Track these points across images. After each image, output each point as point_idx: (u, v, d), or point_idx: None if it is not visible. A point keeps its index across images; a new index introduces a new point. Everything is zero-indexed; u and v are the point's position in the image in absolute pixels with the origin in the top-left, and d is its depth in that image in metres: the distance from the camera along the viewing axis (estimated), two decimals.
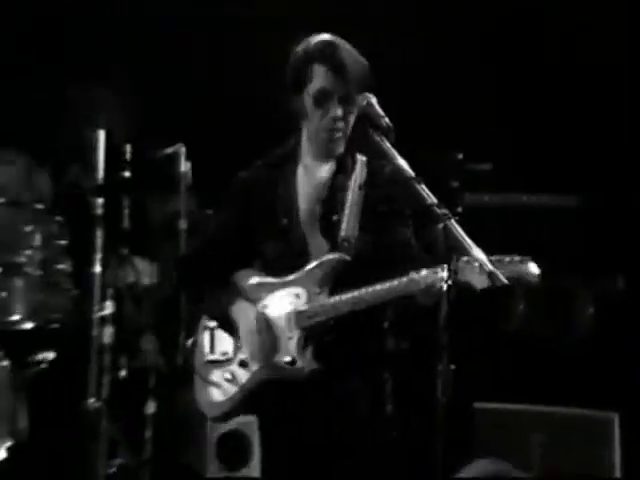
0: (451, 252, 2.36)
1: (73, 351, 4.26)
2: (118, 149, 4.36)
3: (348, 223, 2.73)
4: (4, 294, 4.06)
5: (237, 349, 2.76)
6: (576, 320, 4.27)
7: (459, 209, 2.52)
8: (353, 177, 2.76)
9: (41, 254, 4.17)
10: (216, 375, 2.79)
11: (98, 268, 4.23)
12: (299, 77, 2.70)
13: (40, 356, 4.20)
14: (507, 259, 2.43)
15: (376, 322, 2.71)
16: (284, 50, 2.78)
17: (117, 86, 4.56)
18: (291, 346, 2.67)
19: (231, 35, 5.04)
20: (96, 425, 4.04)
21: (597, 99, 4.65)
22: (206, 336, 2.84)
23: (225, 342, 2.80)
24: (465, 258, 2.38)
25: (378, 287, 2.58)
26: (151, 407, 4.19)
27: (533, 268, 2.43)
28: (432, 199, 2.39)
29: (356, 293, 2.61)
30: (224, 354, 2.79)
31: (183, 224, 4.35)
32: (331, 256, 2.71)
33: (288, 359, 2.66)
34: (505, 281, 2.25)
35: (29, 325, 4.10)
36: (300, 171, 2.81)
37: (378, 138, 2.58)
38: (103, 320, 4.18)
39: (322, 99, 2.68)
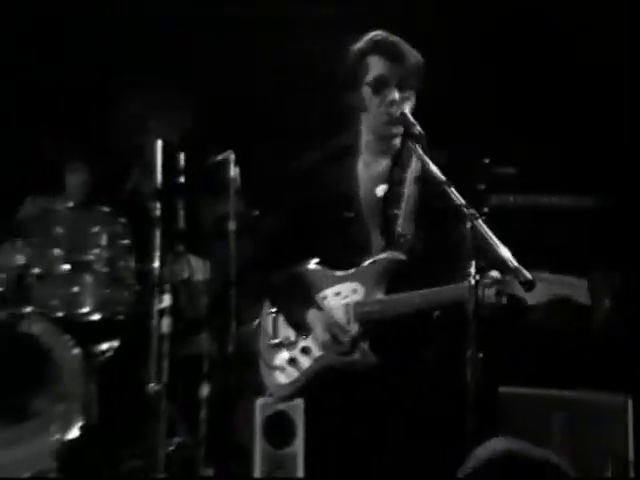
0: (478, 250, 2.33)
1: (136, 340, 4.29)
2: (173, 157, 4.38)
3: (404, 219, 2.67)
4: (75, 289, 4.12)
5: (299, 335, 2.73)
6: (594, 314, 4.24)
7: (485, 210, 2.56)
8: (409, 171, 2.70)
9: (107, 253, 4.23)
10: (279, 358, 2.76)
11: (157, 265, 4.20)
12: (356, 72, 2.66)
13: (107, 344, 4.28)
14: (566, 280, 2.40)
15: (428, 316, 2.63)
16: (323, 53, 2.73)
17: (172, 98, 4.56)
18: (350, 337, 2.63)
19: (270, 41, 5.02)
20: (156, 406, 4.03)
21: (609, 101, 4.60)
22: (269, 321, 2.81)
23: (288, 327, 2.76)
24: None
25: (429, 291, 2.52)
26: (205, 390, 4.18)
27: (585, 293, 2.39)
28: (461, 200, 2.38)
29: (411, 294, 2.55)
30: (287, 338, 2.75)
31: (232, 225, 4.31)
32: (388, 254, 2.65)
33: (346, 350, 2.62)
34: (529, 276, 2.22)
35: (97, 317, 4.18)
36: (360, 164, 2.75)
37: (411, 145, 2.58)
38: (162, 312, 4.15)
39: (379, 85, 2.63)
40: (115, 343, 4.30)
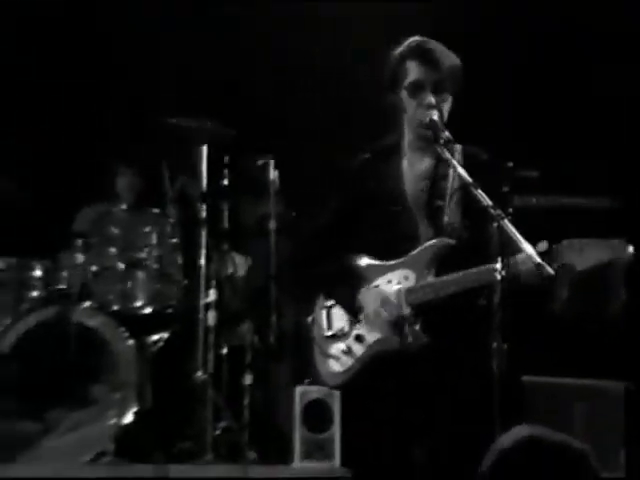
0: (505, 247, 2.34)
1: (184, 332, 4.32)
2: (218, 161, 4.42)
3: (451, 209, 2.68)
4: (129, 284, 4.15)
5: (352, 325, 2.72)
6: (612, 303, 4.20)
7: (510, 210, 2.54)
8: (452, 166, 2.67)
9: (157, 250, 4.25)
10: (334, 348, 2.75)
11: (203, 262, 4.24)
12: (396, 75, 2.69)
13: (158, 336, 4.30)
14: (609, 243, 2.38)
15: (476, 299, 2.62)
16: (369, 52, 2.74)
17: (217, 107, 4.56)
18: (403, 322, 2.62)
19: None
20: (203, 394, 4.06)
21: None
22: (323, 314, 2.81)
23: (341, 319, 2.76)
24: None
25: (475, 270, 2.52)
26: (248, 379, 4.19)
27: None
28: (488, 201, 2.39)
29: (459, 274, 2.55)
30: (340, 330, 2.75)
31: (272, 224, 4.38)
32: (437, 240, 2.65)
33: (399, 332, 2.62)
34: (552, 272, 2.23)
35: (149, 310, 4.19)
36: (404, 162, 2.76)
37: (439, 149, 2.60)
38: (208, 306, 4.18)
39: (415, 90, 2.64)
40: (165, 335, 4.31)
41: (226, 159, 4.41)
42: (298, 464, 3.76)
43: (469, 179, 2.48)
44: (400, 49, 2.70)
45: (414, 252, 2.66)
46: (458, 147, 2.73)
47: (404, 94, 2.67)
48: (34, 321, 3.88)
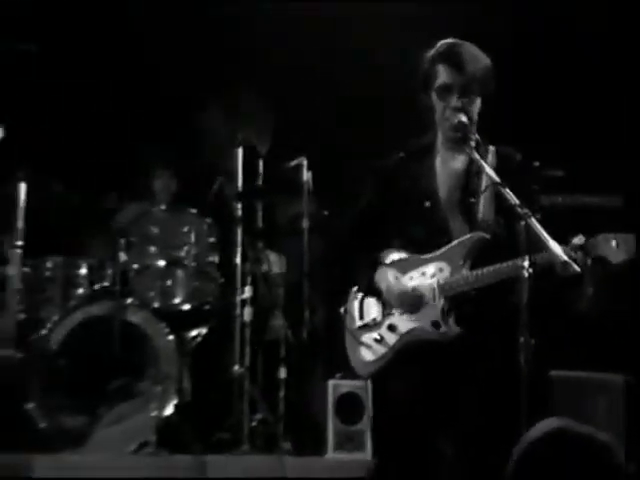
0: (532, 244, 2.34)
1: (221, 327, 4.34)
2: (253, 163, 4.46)
3: (485, 206, 2.67)
4: (169, 282, 4.19)
5: (385, 315, 2.72)
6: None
7: (538, 208, 2.54)
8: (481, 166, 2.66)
9: (195, 249, 4.27)
10: (366, 337, 2.74)
11: (239, 260, 4.28)
12: (427, 77, 2.70)
13: (196, 331, 4.32)
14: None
15: (508, 295, 2.58)
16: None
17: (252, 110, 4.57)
18: (436, 313, 2.62)
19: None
20: (240, 387, 4.09)
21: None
22: (356, 304, 2.80)
23: (373, 310, 2.76)
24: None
25: (510, 263, 2.50)
26: (282, 372, 4.20)
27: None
28: (515, 200, 2.39)
29: (492, 267, 2.54)
30: (373, 320, 2.74)
31: (305, 223, 4.39)
32: (473, 234, 2.65)
33: (432, 323, 2.60)
34: (578, 269, 2.24)
35: (188, 306, 4.22)
36: (437, 161, 2.77)
37: (469, 150, 2.61)
38: (243, 302, 4.22)
39: (443, 92, 2.65)
40: (203, 330, 4.34)
41: (261, 161, 4.43)
42: (331, 455, 3.79)
43: (497, 179, 2.48)
44: (431, 52, 2.71)
45: (450, 245, 2.66)
46: (491, 148, 2.74)
47: (434, 96, 2.69)
48: (80, 318, 3.94)
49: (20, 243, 3.93)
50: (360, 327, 2.77)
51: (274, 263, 4.59)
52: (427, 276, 2.66)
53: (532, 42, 4.80)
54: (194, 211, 4.37)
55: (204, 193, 4.53)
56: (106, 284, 4.13)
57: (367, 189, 2.87)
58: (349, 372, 2.92)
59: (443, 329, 2.60)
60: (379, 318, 2.73)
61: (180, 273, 4.20)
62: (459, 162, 2.73)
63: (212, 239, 4.33)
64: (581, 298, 4.12)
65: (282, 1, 4.95)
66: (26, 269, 4.06)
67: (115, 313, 3.92)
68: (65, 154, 4.74)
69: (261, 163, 4.46)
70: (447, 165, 2.74)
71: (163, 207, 4.45)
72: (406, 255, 2.74)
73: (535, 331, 2.33)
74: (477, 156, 2.59)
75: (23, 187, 3.93)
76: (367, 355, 2.74)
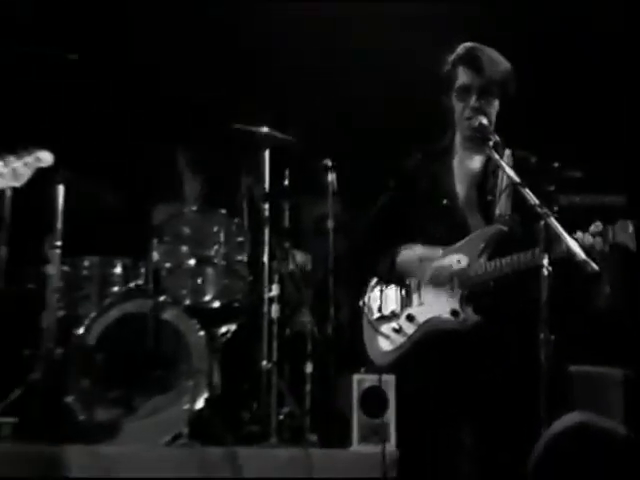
0: (551, 243, 2.36)
1: (250, 324, 4.36)
2: (279, 164, 4.47)
3: (501, 203, 2.69)
4: (199, 280, 4.20)
5: (404, 306, 2.74)
6: None
7: (555, 208, 2.55)
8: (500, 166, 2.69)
9: (224, 248, 4.29)
10: (385, 327, 2.76)
11: (266, 259, 4.27)
12: (448, 79, 2.74)
13: (226, 328, 4.35)
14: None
15: (527, 289, 2.59)
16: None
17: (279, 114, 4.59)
18: (455, 302, 2.62)
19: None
20: (268, 381, 4.09)
21: None
22: (375, 297, 2.83)
23: (393, 301, 2.77)
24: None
25: (528, 253, 2.51)
26: (309, 367, 4.23)
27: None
28: (535, 200, 2.41)
29: (510, 257, 2.55)
30: (392, 311, 2.76)
31: (330, 223, 4.35)
32: (491, 227, 2.66)
33: (452, 311, 2.60)
34: (596, 268, 2.24)
35: (217, 304, 4.24)
36: (455, 161, 2.80)
37: (489, 151, 2.60)
38: (271, 300, 4.22)
39: (462, 94, 2.70)
40: (233, 327, 4.37)
41: (287, 162, 4.45)
42: (356, 447, 3.79)
43: (517, 179, 2.49)
44: (452, 55, 2.74)
45: (468, 237, 2.67)
46: (508, 152, 2.72)
47: (454, 97, 2.71)
48: (116, 315, 3.97)
49: (59, 243, 3.97)
50: (379, 318, 2.79)
51: (300, 262, 4.62)
52: (447, 267, 2.68)
53: (550, 42, 4.77)
54: (224, 212, 4.39)
55: (233, 194, 4.57)
56: (140, 282, 4.19)
57: (387, 189, 2.91)
58: (372, 366, 2.94)
59: (462, 317, 2.60)
60: (398, 310, 2.74)
61: (210, 271, 4.22)
62: (476, 162, 2.77)
63: (241, 239, 4.36)
64: (599, 295, 4.11)
65: (282, 1, 4.94)
66: (65, 268, 4.12)
67: (149, 310, 3.96)
68: (101, 157, 4.79)
69: (288, 164, 4.48)
70: (465, 164, 2.78)
71: (194, 208, 4.49)
72: (427, 248, 2.75)
73: (555, 327, 2.32)
74: (497, 156, 2.60)
75: (61, 189, 3.99)
76: (385, 345, 2.76)
